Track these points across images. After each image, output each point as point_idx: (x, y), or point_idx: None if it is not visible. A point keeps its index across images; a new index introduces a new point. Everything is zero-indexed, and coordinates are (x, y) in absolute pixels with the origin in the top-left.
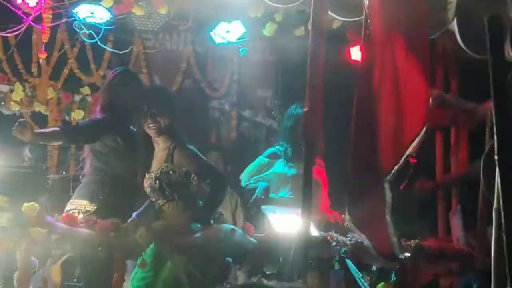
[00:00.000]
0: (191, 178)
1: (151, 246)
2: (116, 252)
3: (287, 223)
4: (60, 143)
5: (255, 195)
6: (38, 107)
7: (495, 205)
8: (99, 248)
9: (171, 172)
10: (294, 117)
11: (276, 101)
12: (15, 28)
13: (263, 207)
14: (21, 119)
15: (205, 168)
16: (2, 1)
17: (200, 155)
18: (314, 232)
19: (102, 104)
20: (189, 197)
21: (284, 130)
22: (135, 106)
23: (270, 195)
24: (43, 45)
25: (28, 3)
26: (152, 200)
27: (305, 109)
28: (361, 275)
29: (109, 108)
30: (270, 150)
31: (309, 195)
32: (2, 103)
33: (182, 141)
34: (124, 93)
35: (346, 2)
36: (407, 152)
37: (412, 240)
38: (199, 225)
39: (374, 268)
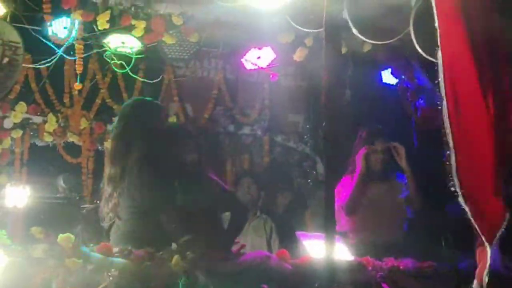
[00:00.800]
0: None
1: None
2: (151, 281)
3: (322, 249)
4: None
5: None
6: (71, 138)
7: None
8: (134, 278)
9: None
10: None
11: (308, 126)
12: (47, 60)
13: (297, 232)
14: None
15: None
16: (33, 33)
17: (222, 183)
18: (349, 257)
19: None
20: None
21: None
22: None
23: None
24: (78, 76)
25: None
26: None
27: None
28: None
29: None
30: None
31: (331, 218)
32: (36, 135)
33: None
34: None
35: (377, 25)
36: None
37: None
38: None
39: None
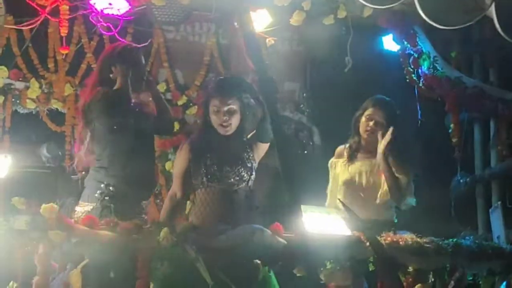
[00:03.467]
0: None
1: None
2: (139, 255)
3: (319, 223)
4: None
5: None
6: (55, 104)
7: None
8: (121, 251)
9: None
10: None
11: (304, 94)
12: (30, 22)
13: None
14: None
15: None
16: None
17: None
18: (347, 232)
19: None
20: None
21: None
22: None
23: None
24: (63, 40)
25: None
26: None
27: None
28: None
29: None
30: None
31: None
32: (18, 101)
33: None
34: None
35: None
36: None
37: (450, 239)
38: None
39: (410, 269)
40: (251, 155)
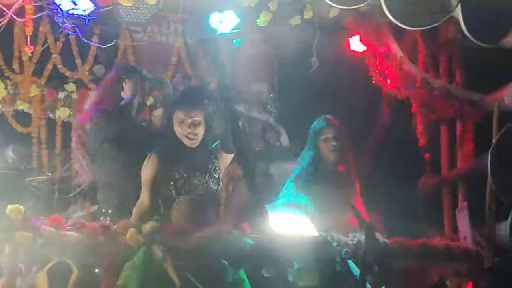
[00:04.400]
0: None
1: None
2: (105, 256)
3: (286, 223)
4: None
5: None
6: (21, 105)
7: None
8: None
9: None
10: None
11: (271, 95)
12: None
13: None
14: None
15: None
16: None
17: None
18: (314, 232)
19: None
20: None
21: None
22: None
23: None
24: (28, 39)
25: None
26: None
27: None
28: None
29: None
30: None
31: None
32: None
33: None
34: None
35: None
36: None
37: (417, 239)
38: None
39: (376, 269)
40: (217, 165)
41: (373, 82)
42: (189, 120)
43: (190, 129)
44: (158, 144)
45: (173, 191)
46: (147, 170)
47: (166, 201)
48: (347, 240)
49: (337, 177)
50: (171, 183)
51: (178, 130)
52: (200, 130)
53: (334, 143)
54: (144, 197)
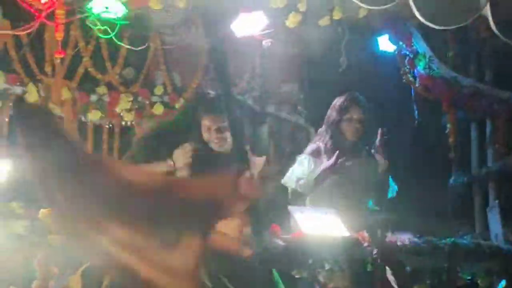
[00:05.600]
0: None
1: None
2: None
3: (315, 223)
4: None
5: None
6: (53, 109)
7: None
8: None
9: None
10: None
11: (301, 96)
12: (27, 26)
13: (289, 206)
14: None
15: None
16: None
17: None
18: (345, 232)
19: None
20: None
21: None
22: None
23: None
24: (59, 44)
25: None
26: None
27: None
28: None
29: None
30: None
31: None
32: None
33: None
34: None
35: None
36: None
37: (447, 238)
38: None
39: (408, 269)
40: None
41: (403, 81)
42: (216, 127)
43: (217, 135)
44: (189, 140)
45: None
46: (183, 157)
47: None
48: (378, 239)
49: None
50: None
51: (206, 136)
52: (228, 136)
53: (358, 126)
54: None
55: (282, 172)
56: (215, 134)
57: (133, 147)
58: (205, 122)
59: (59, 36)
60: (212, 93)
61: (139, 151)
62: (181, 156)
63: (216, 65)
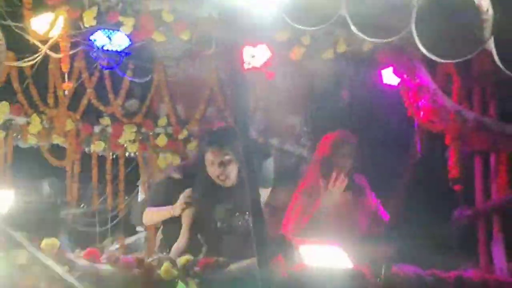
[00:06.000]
0: None
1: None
2: None
3: (319, 255)
4: None
5: None
6: (56, 140)
7: None
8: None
9: None
10: None
11: (305, 128)
12: (30, 58)
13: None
14: None
15: None
16: (17, 30)
17: None
18: (348, 264)
19: None
20: None
21: None
22: None
23: None
24: (66, 75)
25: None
26: None
27: None
28: None
29: None
30: None
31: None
32: (19, 136)
33: None
34: None
35: (377, 23)
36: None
37: (452, 272)
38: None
39: None
40: None
41: (408, 114)
42: (219, 160)
43: (220, 169)
44: (196, 184)
45: (216, 232)
46: (187, 216)
47: (207, 241)
48: (381, 271)
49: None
50: (211, 224)
51: (210, 171)
52: (232, 169)
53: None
54: (185, 236)
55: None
56: (217, 169)
57: (150, 192)
58: (208, 156)
59: (65, 67)
60: (220, 125)
61: (155, 194)
62: (178, 204)
63: (227, 97)
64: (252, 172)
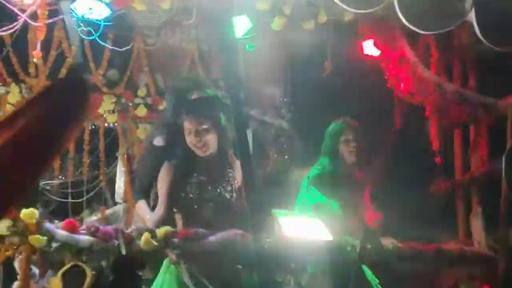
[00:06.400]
0: None
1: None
2: (120, 259)
3: (299, 228)
4: None
5: None
6: None
7: None
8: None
9: None
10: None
11: (285, 99)
12: (10, 26)
13: (273, 210)
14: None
15: None
16: None
17: None
18: (328, 236)
19: None
20: None
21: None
22: None
23: None
24: (38, 44)
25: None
26: None
27: None
28: (378, 281)
29: None
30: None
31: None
32: None
33: None
34: None
35: None
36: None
37: (431, 244)
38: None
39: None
40: (232, 174)
41: (388, 86)
42: (196, 129)
43: (197, 138)
44: (171, 154)
45: (188, 203)
46: (164, 183)
47: (181, 212)
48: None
49: (355, 180)
50: (185, 195)
51: (188, 140)
52: (210, 139)
53: (355, 144)
54: (162, 208)
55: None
56: (194, 138)
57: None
58: (186, 125)
59: (40, 36)
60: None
61: (141, 164)
62: (161, 179)
63: (202, 66)
64: (246, 143)
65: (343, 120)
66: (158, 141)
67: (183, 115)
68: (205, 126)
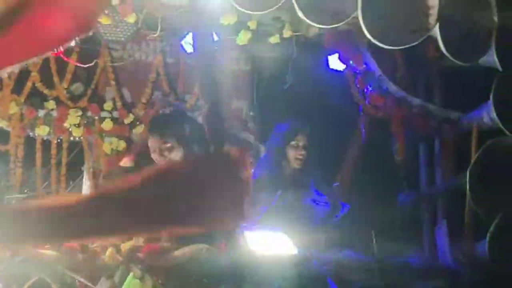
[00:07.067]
0: None
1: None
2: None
3: (264, 241)
4: None
5: None
6: (0, 123)
7: None
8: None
9: None
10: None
11: (251, 113)
12: None
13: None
14: None
15: None
16: None
17: None
18: (293, 250)
19: None
20: None
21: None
22: None
23: None
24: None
25: None
26: None
27: None
28: None
29: None
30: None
31: None
32: None
33: None
34: None
35: (323, 9)
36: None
37: (396, 258)
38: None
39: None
40: None
41: (353, 99)
42: (159, 148)
43: (161, 157)
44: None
45: None
46: None
47: None
48: (326, 257)
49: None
50: None
51: (154, 158)
52: (174, 156)
53: (303, 152)
54: None
55: None
56: (158, 157)
57: None
58: (149, 143)
59: None
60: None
61: None
62: None
63: (167, 80)
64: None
65: (295, 122)
66: (125, 163)
67: (147, 134)
68: (168, 145)
